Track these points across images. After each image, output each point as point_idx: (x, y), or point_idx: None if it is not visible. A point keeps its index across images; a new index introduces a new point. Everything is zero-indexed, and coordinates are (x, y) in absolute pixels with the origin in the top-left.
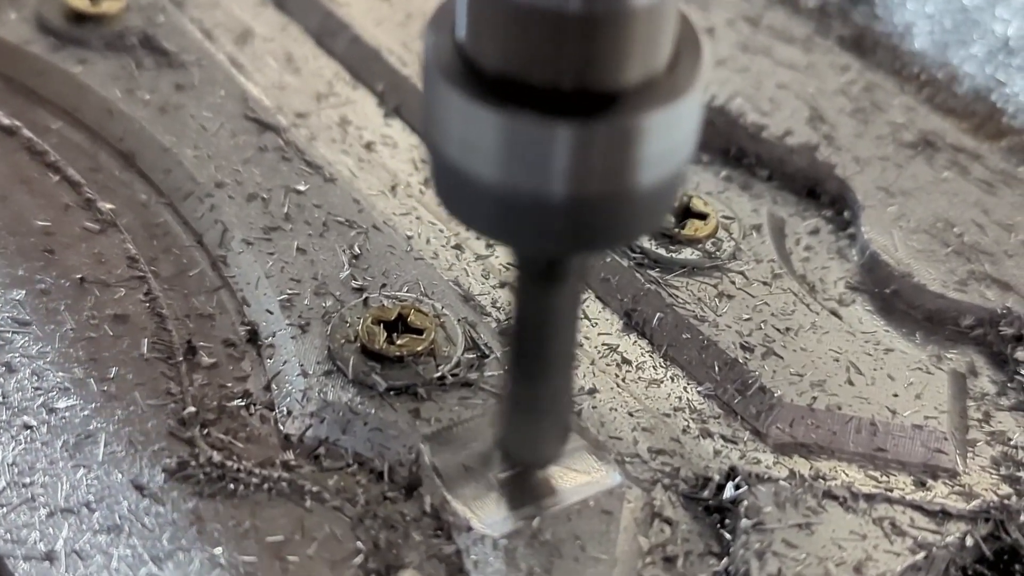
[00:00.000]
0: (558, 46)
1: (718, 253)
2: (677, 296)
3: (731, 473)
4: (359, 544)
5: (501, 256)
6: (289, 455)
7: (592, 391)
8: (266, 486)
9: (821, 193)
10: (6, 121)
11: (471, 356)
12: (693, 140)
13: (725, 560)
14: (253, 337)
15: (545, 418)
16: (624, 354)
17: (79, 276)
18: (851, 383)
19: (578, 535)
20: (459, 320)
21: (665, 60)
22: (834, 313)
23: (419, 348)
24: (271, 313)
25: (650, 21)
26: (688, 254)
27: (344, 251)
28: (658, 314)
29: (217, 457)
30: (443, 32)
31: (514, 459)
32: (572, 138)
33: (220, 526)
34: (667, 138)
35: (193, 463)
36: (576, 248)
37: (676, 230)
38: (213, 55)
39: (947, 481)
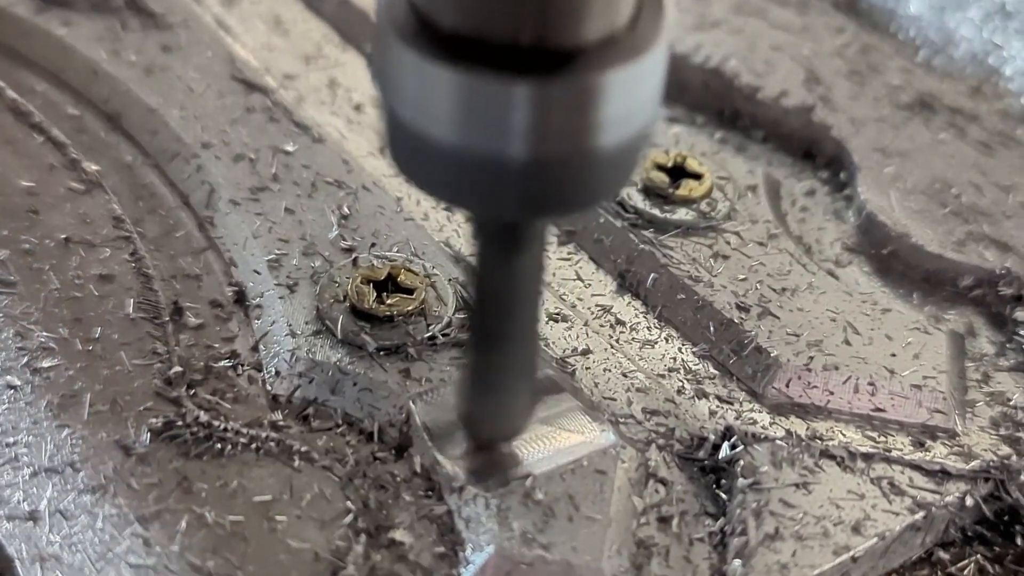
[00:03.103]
0: (516, 1)
1: (713, 213)
2: (672, 256)
3: (727, 433)
4: (348, 504)
5: None
6: (277, 415)
7: (586, 352)
8: (254, 446)
9: (817, 154)
10: None
11: (462, 316)
12: (656, 100)
13: (721, 520)
14: (240, 298)
15: (508, 391)
16: (618, 315)
17: (64, 236)
18: (848, 343)
19: (572, 495)
20: (450, 280)
21: (627, 17)
22: (831, 274)
23: (409, 308)
24: (259, 273)
25: None
26: (683, 214)
27: (333, 211)
28: (652, 275)
29: (204, 417)
30: None
31: (477, 434)
32: (530, 97)
33: (207, 486)
34: (629, 98)
35: (179, 423)
36: (536, 212)
37: (671, 190)
38: (200, 17)
39: (946, 441)
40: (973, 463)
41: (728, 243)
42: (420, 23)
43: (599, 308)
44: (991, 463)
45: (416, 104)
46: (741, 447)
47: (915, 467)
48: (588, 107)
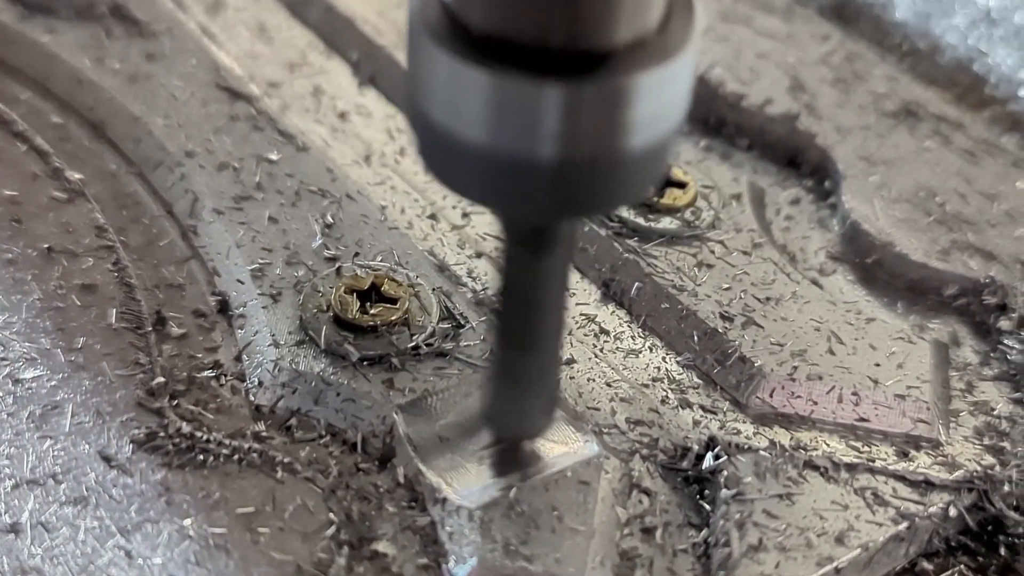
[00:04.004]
0: (547, 3)
1: (697, 222)
2: (656, 266)
3: (711, 443)
4: (331, 515)
5: (476, 226)
6: (260, 426)
7: (570, 361)
8: (236, 457)
9: (802, 162)
10: None
11: (446, 326)
12: (685, 102)
13: (705, 531)
14: (224, 307)
15: (533, 389)
16: (602, 324)
17: (46, 246)
18: (832, 352)
19: (555, 506)
20: (434, 290)
21: (657, 19)
22: (815, 283)
23: (393, 318)
24: (242, 283)
25: None
26: (667, 223)
27: (317, 220)
28: (636, 284)
29: (186, 428)
30: None
31: (500, 432)
32: (561, 98)
33: (189, 497)
34: (658, 100)
35: (162, 434)
36: (565, 213)
37: (655, 199)
38: (184, 24)
39: (930, 451)
40: (957, 473)
41: (712, 252)
42: (452, 25)
43: (583, 317)
44: (975, 473)
45: (447, 105)
46: (725, 457)
47: (899, 477)
48: (618, 109)
